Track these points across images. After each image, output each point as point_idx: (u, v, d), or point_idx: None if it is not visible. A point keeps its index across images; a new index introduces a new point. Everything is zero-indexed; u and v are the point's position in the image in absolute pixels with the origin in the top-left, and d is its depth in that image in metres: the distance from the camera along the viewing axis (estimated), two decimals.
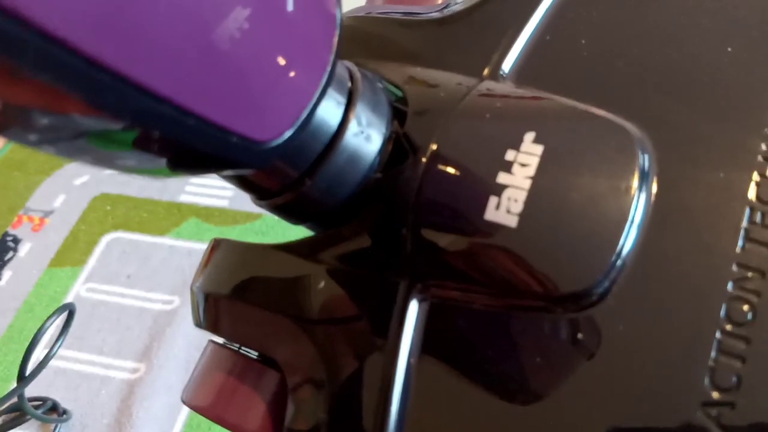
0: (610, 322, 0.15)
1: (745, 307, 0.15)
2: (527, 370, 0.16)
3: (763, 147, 0.16)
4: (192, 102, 0.13)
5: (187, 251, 0.84)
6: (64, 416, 0.67)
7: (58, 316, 0.62)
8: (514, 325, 0.16)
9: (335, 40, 0.16)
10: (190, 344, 0.75)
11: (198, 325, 0.23)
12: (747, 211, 0.16)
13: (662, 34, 0.19)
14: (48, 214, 0.90)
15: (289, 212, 0.19)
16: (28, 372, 0.60)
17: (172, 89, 0.13)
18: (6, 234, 0.88)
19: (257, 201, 0.19)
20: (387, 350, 0.16)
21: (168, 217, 0.89)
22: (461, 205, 0.17)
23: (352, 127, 0.18)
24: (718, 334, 0.15)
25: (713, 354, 0.15)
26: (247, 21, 0.13)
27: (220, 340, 0.23)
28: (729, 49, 0.18)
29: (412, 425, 0.16)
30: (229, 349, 0.22)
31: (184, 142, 0.14)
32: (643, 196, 0.16)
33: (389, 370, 0.16)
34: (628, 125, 0.17)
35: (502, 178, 0.16)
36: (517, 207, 0.16)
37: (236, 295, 0.20)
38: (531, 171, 0.16)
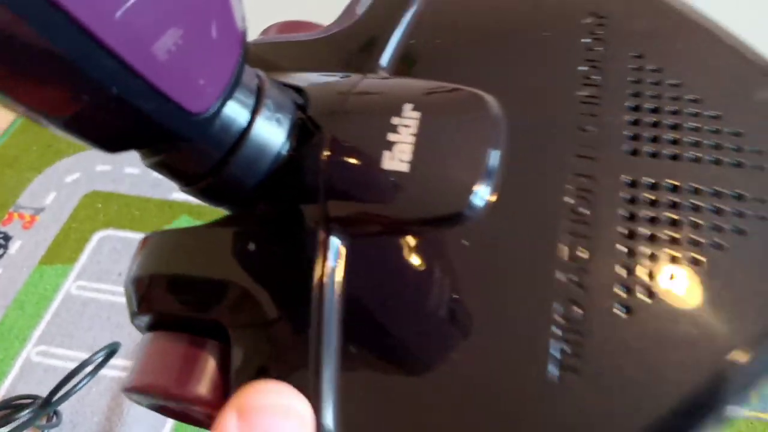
0: (483, 237, 0.20)
1: (582, 245, 0.20)
2: (426, 280, 0.20)
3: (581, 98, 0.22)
4: (142, 68, 0.16)
5: None
6: (54, 420, 0.67)
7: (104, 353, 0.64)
8: (413, 248, 0.21)
9: (244, 38, 0.20)
10: None
11: (134, 313, 0.25)
12: (576, 161, 0.21)
13: (492, 33, 0.26)
14: (39, 211, 0.90)
15: (216, 195, 0.23)
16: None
17: (139, 63, 0.16)
18: None
19: (184, 188, 0.23)
20: (315, 285, 0.20)
21: (159, 215, 0.89)
22: (363, 161, 0.22)
23: (265, 111, 0.22)
24: (562, 253, 0.20)
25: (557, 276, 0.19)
26: (181, 34, 0.17)
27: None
28: (545, 34, 0.24)
29: (346, 344, 0.20)
30: (165, 332, 0.24)
31: (133, 104, 0.17)
32: (499, 139, 0.22)
33: (320, 298, 0.20)
34: (480, 92, 0.23)
35: (391, 137, 0.22)
36: (407, 156, 0.21)
37: (177, 270, 0.24)
38: (413, 130, 0.21)
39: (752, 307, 0.18)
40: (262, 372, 0.21)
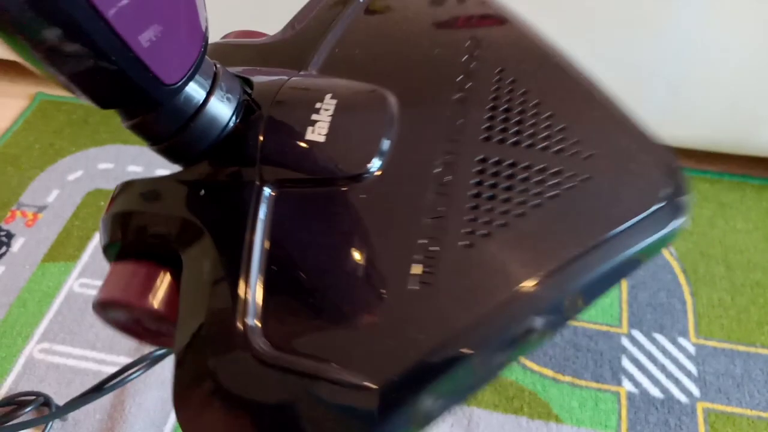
0: (375, 192, 0.28)
1: (441, 201, 0.27)
2: (330, 218, 0.28)
3: (456, 99, 0.30)
4: (135, 47, 0.23)
5: None
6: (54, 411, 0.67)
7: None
8: (324, 197, 0.28)
9: (205, 36, 0.27)
10: None
11: (107, 243, 0.31)
12: (445, 143, 0.29)
13: (397, 49, 0.33)
14: (41, 209, 0.90)
15: (175, 154, 0.30)
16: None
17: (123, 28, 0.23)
18: None
19: (152, 147, 0.29)
20: (249, 221, 0.27)
21: None
22: (291, 133, 0.29)
23: (218, 91, 0.29)
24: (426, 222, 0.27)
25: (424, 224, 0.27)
26: (161, 29, 0.24)
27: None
28: (436, 51, 0.32)
29: (268, 288, 0.26)
30: (130, 259, 0.30)
31: (125, 72, 0.24)
32: (392, 130, 0.29)
33: (253, 229, 0.27)
34: (385, 91, 0.30)
35: (314, 116, 0.29)
36: (324, 131, 0.28)
37: (146, 208, 0.30)
38: (331, 112, 0.29)
39: (549, 248, 0.26)
40: (206, 275, 0.27)
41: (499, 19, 0.34)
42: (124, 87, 0.25)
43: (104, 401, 0.70)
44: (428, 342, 0.24)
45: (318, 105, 0.30)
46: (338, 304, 0.26)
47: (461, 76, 0.31)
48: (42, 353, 0.75)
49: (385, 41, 0.34)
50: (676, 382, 0.71)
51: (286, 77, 0.31)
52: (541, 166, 0.28)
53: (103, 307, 0.30)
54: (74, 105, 1.06)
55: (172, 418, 0.69)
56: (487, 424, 0.68)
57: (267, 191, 0.28)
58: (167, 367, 0.73)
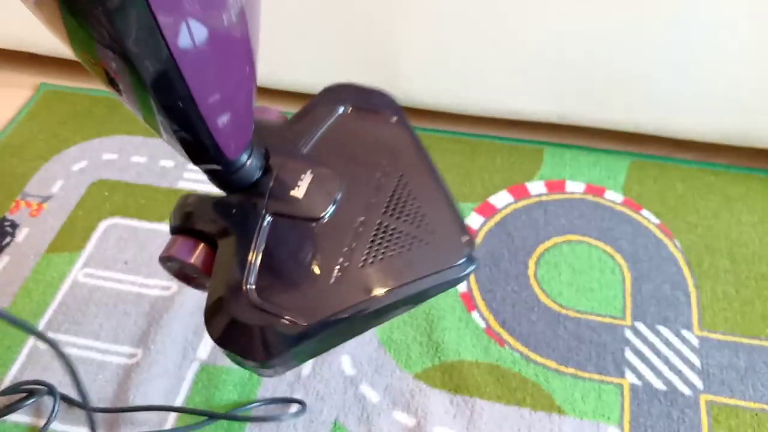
0: (323, 228, 0.50)
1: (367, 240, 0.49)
2: (299, 236, 0.49)
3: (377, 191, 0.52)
4: (213, 130, 0.44)
5: None
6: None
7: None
8: (297, 226, 0.50)
9: (252, 127, 0.49)
10: (187, 330, 0.75)
11: (176, 225, 0.52)
12: (364, 212, 0.50)
13: (351, 151, 0.55)
14: (46, 199, 0.90)
15: (225, 187, 0.51)
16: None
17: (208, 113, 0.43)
18: (4, 219, 0.88)
19: (211, 180, 0.51)
20: (257, 232, 0.49)
21: (166, 204, 0.89)
22: (285, 188, 0.50)
23: (254, 159, 0.50)
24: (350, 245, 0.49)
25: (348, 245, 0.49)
26: (227, 114, 0.45)
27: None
28: (369, 158, 0.54)
29: (261, 269, 0.47)
30: (184, 234, 0.51)
31: (205, 144, 0.45)
32: (338, 193, 0.51)
33: (259, 233, 0.49)
34: (336, 176, 0.52)
35: (298, 183, 0.51)
36: (303, 191, 0.50)
37: (202, 212, 0.51)
38: (308, 182, 0.51)
39: (396, 274, 0.47)
40: (229, 256, 0.49)
41: (405, 145, 0.56)
42: (203, 154, 0.47)
43: (109, 391, 0.71)
44: (334, 308, 0.46)
45: (302, 176, 0.52)
46: (295, 281, 0.48)
47: (379, 175, 0.53)
48: (46, 343, 0.75)
49: (346, 144, 0.55)
50: (680, 374, 0.71)
51: (288, 155, 0.53)
52: (405, 231, 0.50)
53: (166, 260, 0.51)
54: (78, 95, 1.06)
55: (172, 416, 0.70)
56: (489, 415, 0.68)
57: (268, 218, 0.50)
58: (171, 356, 0.73)
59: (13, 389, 0.69)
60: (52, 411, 0.67)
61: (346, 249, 0.49)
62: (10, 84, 1.08)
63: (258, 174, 0.51)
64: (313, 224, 0.50)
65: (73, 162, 0.95)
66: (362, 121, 0.57)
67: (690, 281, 0.79)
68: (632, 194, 0.89)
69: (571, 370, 0.72)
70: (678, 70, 0.84)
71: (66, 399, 0.69)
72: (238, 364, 0.49)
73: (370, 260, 0.48)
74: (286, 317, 0.45)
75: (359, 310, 0.46)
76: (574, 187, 0.90)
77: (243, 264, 0.48)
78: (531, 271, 0.81)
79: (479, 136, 0.98)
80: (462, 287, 0.79)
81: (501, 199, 0.89)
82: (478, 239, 0.84)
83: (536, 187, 0.90)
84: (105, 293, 0.79)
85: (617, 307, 0.77)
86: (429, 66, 0.91)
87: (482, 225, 0.86)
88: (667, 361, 0.72)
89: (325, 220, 0.50)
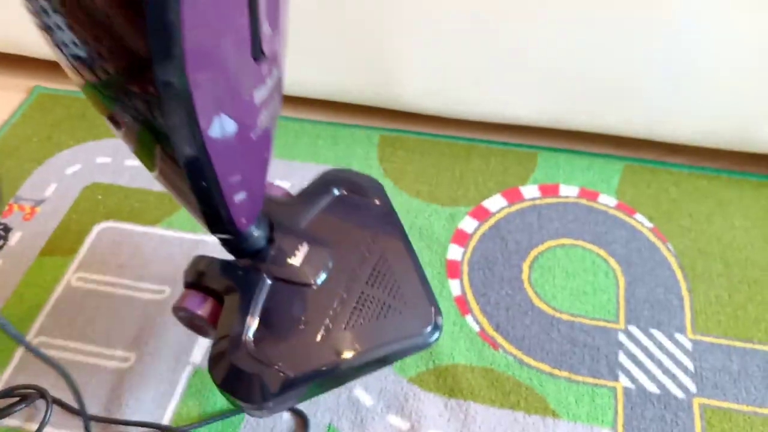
0: (314, 293, 0.58)
1: (348, 306, 0.58)
2: (293, 297, 0.58)
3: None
4: (231, 207, 0.51)
5: (178, 241, 0.84)
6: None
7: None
8: (292, 290, 0.58)
9: (262, 203, 0.57)
10: (181, 333, 0.75)
11: (188, 281, 0.59)
12: (347, 281, 0.59)
13: (341, 226, 0.64)
14: (39, 203, 0.90)
15: (234, 252, 0.59)
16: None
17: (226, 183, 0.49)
18: None
19: (223, 245, 0.59)
20: (257, 292, 0.57)
21: (160, 207, 0.89)
22: (283, 256, 0.59)
23: (261, 230, 0.59)
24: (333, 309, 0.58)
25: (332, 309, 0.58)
26: (245, 193, 0.52)
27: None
28: (356, 236, 0.63)
29: (259, 324, 0.56)
30: (195, 289, 0.59)
31: (216, 207, 0.50)
32: (329, 264, 0.60)
33: (259, 293, 0.57)
34: (327, 251, 0.61)
35: (296, 252, 0.60)
36: (299, 260, 0.59)
37: (211, 272, 0.59)
38: (304, 252, 0.60)
39: (372, 338, 0.57)
40: (233, 312, 0.56)
41: (387, 225, 0.65)
42: (217, 224, 0.53)
43: (102, 395, 0.70)
44: (317, 364, 0.55)
45: (299, 247, 0.60)
46: (287, 337, 0.56)
47: (364, 250, 0.61)
48: (39, 347, 0.74)
49: (338, 222, 0.64)
50: (673, 377, 0.71)
51: (290, 226, 0.62)
52: (382, 300, 0.59)
53: (178, 310, 0.59)
54: (72, 98, 1.06)
55: (169, 412, 0.69)
56: (483, 418, 0.68)
57: (268, 281, 0.58)
58: (164, 360, 0.73)
59: (6, 394, 0.68)
60: (45, 415, 0.67)
61: (331, 312, 0.57)
62: (3, 87, 1.08)
63: (263, 243, 0.59)
64: (306, 289, 0.58)
65: (67, 165, 0.95)
66: (353, 203, 0.66)
67: (683, 285, 0.80)
68: (626, 198, 0.89)
69: (565, 374, 0.72)
70: (671, 75, 0.84)
71: (59, 403, 0.69)
72: (236, 406, 0.58)
73: (351, 323, 0.57)
74: (277, 367, 0.54)
75: (337, 367, 0.55)
76: (568, 191, 0.90)
77: (244, 319, 0.55)
78: (525, 275, 0.81)
79: (473, 140, 0.98)
80: (456, 290, 0.79)
81: (495, 203, 0.89)
82: (472, 243, 0.84)
83: (530, 191, 0.90)
84: (98, 297, 0.79)
85: (611, 311, 0.77)
86: (424, 71, 0.91)
87: (476, 229, 0.86)
88: (660, 365, 0.72)
89: (316, 287, 0.59)
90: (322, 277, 0.59)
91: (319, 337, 0.56)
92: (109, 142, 0.98)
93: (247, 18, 0.40)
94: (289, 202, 0.65)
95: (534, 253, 0.83)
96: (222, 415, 0.69)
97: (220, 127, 0.44)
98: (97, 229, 0.87)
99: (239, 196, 0.51)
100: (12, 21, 1.02)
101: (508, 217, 0.87)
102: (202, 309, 0.58)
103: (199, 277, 0.59)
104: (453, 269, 0.81)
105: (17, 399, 0.68)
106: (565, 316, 0.77)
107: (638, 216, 0.87)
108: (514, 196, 0.90)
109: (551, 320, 0.76)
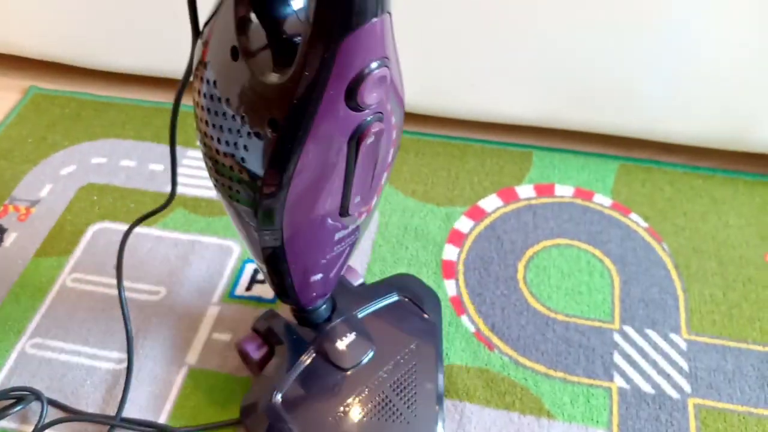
0: (347, 379, 0.66)
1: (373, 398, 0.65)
2: (329, 374, 0.66)
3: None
4: (298, 278, 0.58)
5: (173, 242, 0.84)
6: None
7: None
8: (330, 371, 0.66)
9: (333, 288, 0.66)
10: (176, 335, 0.75)
11: (255, 328, 0.70)
12: (376, 381, 0.66)
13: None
14: (34, 203, 0.90)
15: (297, 317, 0.68)
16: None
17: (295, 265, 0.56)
18: None
19: (294, 315, 0.68)
20: (302, 360, 0.66)
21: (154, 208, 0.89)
22: (334, 338, 0.67)
23: (323, 310, 0.67)
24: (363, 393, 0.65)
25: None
26: (322, 276, 0.61)
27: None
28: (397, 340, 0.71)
29: (292, 386, 0.65)
30: (256, 335, 0.69)
31: (286, 282, 0.58)
32: (365, 360, 0.67)
33: (298, 365, 0.66)
34: (369, 343, 0.68)
35: (344, 338, 0.67)
36: (344, 345, 0.67)
37: (276, 329, 0.68)
38: (351, 338, 0.67)
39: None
40: (276, 367, 0.66)
41: (429, 341, 0.70)
42: (285, 296, 0.62)
43: (97, 396, 0.70)
44: None
45: (348, 334, 0.67)
46: (309, 406, 0.64)
47: (400, 357, 0.67)
48: (34, 348, 0.74)
49: (388, 324, 0.71)
50: (668, 377, 0.71)
51: (345, 316, 0.68)
52: (397, 407, 0.64)
53: (238, 346, 0.69)
54: (67, 99, 1.05)
55: (165, 413, 0.69)
56: (479, 419, 0.68)
57: (312, 353, 0.66)
58: (159, 361, 0.73)
59: (1, 395, 0.68)
60: (40, 417, 0.67)
61: (350, 400, 0.64)
62: None
63: (322, 320, 0.67)
64: (339, 372, 0.65)
65: (62, 166, 0.95)
66: (407, 311, 0.73)
67: (678, 284, 0.80)
68: (621, 198, 0.89)
69: (560, 374, 0.72)
70: (665, 74, 0.84)
71: (54, 404, 0.69)
72: None
73: (363, 417, 0.63)
74: (291, 427, 0.62)
75: None
76: (563, 191, 0.90)
77: (281, 377, 0.64)
78: (520, 275, 0.81)
79: (469, 140, 0.98)
80: (452, 291, 0.79)
81: (490, 202, 0.89)
82: (468, 243, 0.84)
83: (525, 191, 0.90)
84: (93, 298, 0.79)
85: (606, 311, 0.77)
86: (418, 70, 0.91)
87: (472, 229, 0.86)
88: (655, 365, 0.72)
89: (348, 373, 0.65)
90: (357, 366, 0.66)
91: (333, 418, 0.63)
92: (105, 142, 0.98)
93: (339, 203, 0.50)
94: (356, 291, 0.73)
95: (529, 252, 0.83)
96: (219, 423, 0.69)
97: (301, 249, 0.54)
98: (92, 229, 0.87)
99: (308, 285, 0.60)
100: (7, 21, 1.02)
101: (504, 216, 0.87)
102: (257, 354, 0.67)
103: (266, 329, 0.68)
104: (448, 269, 0.82)
105: (13, 401, 0.68)
106: (560, 317, 0.77)
107: (633, 215, 0.87)
108: (509, 196, 0.90)
109: (546, 320, 0.76)
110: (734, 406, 0.69)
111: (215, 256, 0.83)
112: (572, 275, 0.81)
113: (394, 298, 0.73)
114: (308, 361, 0.66)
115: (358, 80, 0.41)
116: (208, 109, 0.46)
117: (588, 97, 0.89)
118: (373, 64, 0.41)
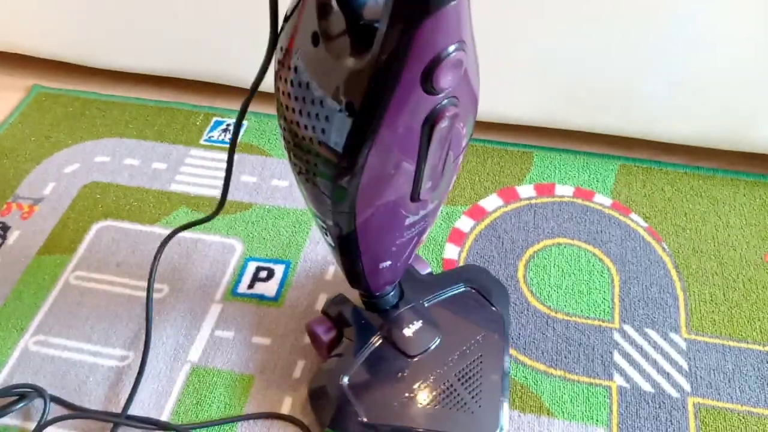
0: (413, 365, 0.67)
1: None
2: (394, 358, 0.67)
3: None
4: (369, 267, 0.61)
5: (176, 240, 0.85)
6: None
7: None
8: (397, 356, 0.67)
9: (401, 275, 0.68)
10: (179, 332, 0.75)
11: (326, 311, 0.71)
12: (443, 365, 0.67)
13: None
14: (37, 201, 0.90)
15: (369, 307, 0.69)
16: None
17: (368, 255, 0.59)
18: None
19: (363, 301, 0.70)
20: (371, 342, 0.68)
21: (158, 206, 0.89)
22: (401, 325, 0.68)
23: (391, 297, 0.69)
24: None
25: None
26: (390, 265, 0.62)
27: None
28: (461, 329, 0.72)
29: (358, 369, 0.66)
30: (326, 318, 0.71)
31: (357, 267, 0.60)
32: (432, 347, 0.69)
33: (365, 350, 0.68)
34: (436, 331, 0.70)
35: (411, 325, 0.68)
36: (410, 332, 0.68)
37: (345, 313, 0.70)
38: (418, 326, 0.69)
39: (432, 421, 0.64)
40: (344, 350, 0.68)
41: (495, 332, 0.71)
42: (355, 282, 0.64)
43: (100, 393, 0.71)
44: (388, 420, 0.64)
45: (415, 321, 0.68)
46: (375, 389, 0.66)
47: (466, 347, 0.68)
48: (37, 345, 0.75)
49: (455, 313, 0.72)
50: (667, 377, 0.72)
51: (412, 304, 0.69)
52: (461, 396, 0.65)
53: (308, 328, 0.71)
54: (71, 97, 1.06)
55: (167, 410, 0.70)
56: None
57: (379, 339, 0.67)
58: (162, 359, 0.73)
59: (4, 393, 0.69)
60: (43, 414, 0.67)
61: (416, 386, 0.65)
62: (2, 86, 1.08)
63: (389, 306, 0.68)
64: (405, 358, 0.66)
65: (65, 164, 0.95)
66: (476, 302, 0.73)
67: (678, 284, 0.80)
68: (621, 198, 0.90)
69: (560, 373, 0.72)
70: (666, 76, 0.84)
71: (57, 401, 0.70)
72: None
73: (428, 404, 0.64)
74: (357, 410, 0.64)
75: (402, 430, 0.63)
76: (564, 191, 0.91)
77: (349, 361, 0.66)
78: (520, 274, 0.81)
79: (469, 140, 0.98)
80: None
81: (491, 202, 0.89)
82: (469, 242, 0.85)
83: (526, 191, 0.91)
84: (97, 296, 0.80)
85: (606, 310, 0.77)
86: None
87: (472, 228, 0.86)
88: (655, 364, 0.73)
89: (414, 360, 0.66)
90: (423, 354, 0.67)
91: (396, 403, 0.64)
92: (108, 141, 0.99)
93: (411, 187, 0.50)
94: (424, 280, 0.73)
95: (530, 252, 0.83)
96: (221, 420, 0.69)
97: (372, 234, 0.55)
98: (95, 227, 0.87)
99: (377, 271, 0.61)
100: (10, 20, 1.03)
101: (504, 216, 0.88)
102: (326, 336, 0.69)
103: (337, 313, 0.70)
104: (449, 268, 0.82)
105: (15, 398, 0.68)
106: (560, 315, 0.77)
107: (633, 215, 0.87)
108: (510, 196, 0.90)
109: (546, 319, 0.77)
110: (734, 405, 0.70)
111: (218, 254, 0.84)
112: (572, 274, 0.81)
113: (462, 288, 0.73)
114: (375, 347, 0.67)
115: (435, 64, 0.41)
116: (295, 97, 0.47)
117: (588, 97, 0.89)
118: (450, 48, 0.41)
